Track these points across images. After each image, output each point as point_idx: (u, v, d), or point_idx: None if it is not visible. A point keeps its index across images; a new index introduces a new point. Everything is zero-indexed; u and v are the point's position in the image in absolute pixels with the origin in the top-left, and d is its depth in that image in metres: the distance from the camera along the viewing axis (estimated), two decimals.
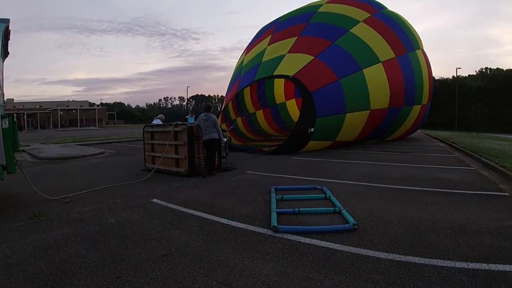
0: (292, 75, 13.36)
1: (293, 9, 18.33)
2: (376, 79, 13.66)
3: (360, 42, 13.90)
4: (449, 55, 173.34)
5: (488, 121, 53.76)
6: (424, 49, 17.38)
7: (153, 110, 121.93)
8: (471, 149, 13.17)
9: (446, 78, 70.30)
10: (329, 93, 12.88)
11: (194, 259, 3.54)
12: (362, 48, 13.80)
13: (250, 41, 19.49)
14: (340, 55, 13.55)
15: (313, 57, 13.58)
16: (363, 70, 13.48)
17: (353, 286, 2.93)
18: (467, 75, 75.25)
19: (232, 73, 19.43)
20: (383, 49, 14.15)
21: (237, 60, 20.02)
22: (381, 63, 13.88)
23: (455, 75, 59.92)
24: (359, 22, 14.46)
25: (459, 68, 79.41)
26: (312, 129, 12.57)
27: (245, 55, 18.47)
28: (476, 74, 77.17)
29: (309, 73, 13.23)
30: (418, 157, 11.91)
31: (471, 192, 6.39)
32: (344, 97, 13.03)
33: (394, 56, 14.39)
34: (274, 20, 18.54)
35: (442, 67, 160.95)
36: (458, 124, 50.46)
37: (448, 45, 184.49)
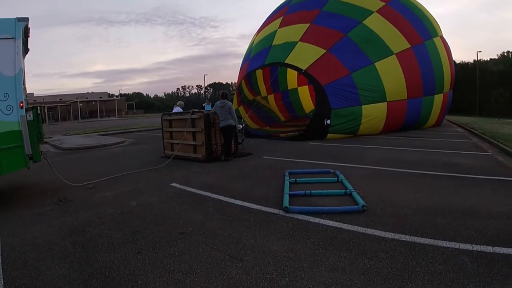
0: (304, 68, 13.52)
1: None
2: (389, 71, 13.55)
3: (373, 35, 13.73)
4: (470, 38, 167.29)
5: (510, 106, 52.00)
6: (444, 33, 16.98)
7: (171, 99, 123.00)
8: (489, 134, 12.95)
9: (467, 62, 67.89)
10: (341, 86, 13.01)
11: (209, 236, 3.79)
12: (374, 42, 13.66)
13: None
14: (351, 50, 13.50)
15: (325, 51, 13.59)
16: (375, 63, 13.44)
17: (357, 262, 3.09)
18: (488, 59, 72.52)
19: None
20: (396, 41, 13.92)
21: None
22: (394, 55, 13.70)
23: (476, 59, 57.97)
24: (373, 12, 14.19)
25: (480, 51, 76.12)
26: (329, 121, 12.76)
27: (256, 36, 18.46)
28: (498, 58, 74.38)
29: (321, 67, 13.35)
30: (435, 142, 11.82)
31: (484, 177, 6.35)
32: (357, 89, 13.11)
33: (409, 46, 14.11)
34: (287, 1, 18.38)
35: (462, 50, 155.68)
36: (479, 110, 49.05)
37: (469, 28, 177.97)
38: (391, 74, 13.59)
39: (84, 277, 2.98)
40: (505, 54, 73.38)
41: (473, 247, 3.32)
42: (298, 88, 21.40)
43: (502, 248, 3.28)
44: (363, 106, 13.14)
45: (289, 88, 21.11)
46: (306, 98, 21.55)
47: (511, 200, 4.84)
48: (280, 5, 18.75)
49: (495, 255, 3.16)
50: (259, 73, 17.27)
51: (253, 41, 18.32)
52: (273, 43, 15.57)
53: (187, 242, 3.64)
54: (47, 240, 3.89)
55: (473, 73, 53.29)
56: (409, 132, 14.69)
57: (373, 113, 13.47)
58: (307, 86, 20.46)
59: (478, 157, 8.76)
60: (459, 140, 12.54)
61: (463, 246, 3.35)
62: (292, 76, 20.22)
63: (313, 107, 19.32)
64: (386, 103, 13.61)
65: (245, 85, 17.20)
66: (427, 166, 7.40)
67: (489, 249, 3.27)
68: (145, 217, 4.51)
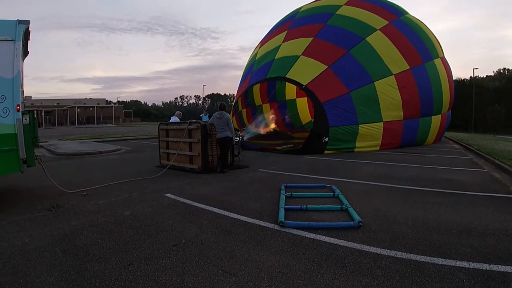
0: (304, 84, 13.62)
1: (311, 1, 18.34)
2: (387, 91, 13.65)
3: (374, 54, 13.84)
4: (467, 55, 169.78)
5: (505, 123, 52.45)
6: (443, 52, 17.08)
7: (169, 108, 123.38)
8: (485, 151, 13.02)
9: (463, 79, 68.80)
10: (339, 104, 13.14)
11: (203, 249, 3.72)
12: (375, 60, 13.77)
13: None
14: (352, 67, 13.62)
15: (326, 67, 13.70)
16: (375, 82, 13.54)
17: (352, 279, 3.04)
18: (484, 76, 73.56)
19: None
20: (396, 61, 14.02)
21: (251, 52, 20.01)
22: (393, 75, 13.80)
23: (472, 76, 58.60)
24: (376, 30, 14.30)
25: (476, 68, 77.08)
26: (327, 139, 12.82)
27: (259, 48, 18.51)
28: (494, 75, 75.33)
29: (321, 84, 13.47)
30: (431, 158, 11.84)
31: (480, 193, 6.37)
32: (355, 108, 13.22)
33: (409, 67, 14.19)
34: (292, 14, 18.42)
35: (458, 67, 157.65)
36: (475, 126, 49.41)
37: (466, 45, 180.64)
38: (389, 94, 13.70)
39: (73, 287, 2.91)
40: (501, 71, 74.41)
41: (469, 264, 3.30)
42: (297, 99, 21.42)
43: (498, 265, 3.27)
44: (359, 125, 13.24)
45: (287, 98, 21.11)
46: (304, 109, 21.55)
47: (507, 217, 4.85)
48: (285, 17, 18.87)
49: (491, 272, 3.14)
50: (256, 88, 17.30)
51: (256, 53, 18.38)
52: (275, 57, 15.68)
53: (180, 255, 3.58)
54: (38, 246, 3.82)
55: (469, 90, 53.78)
56: (406, 148, 14.70)
57: (369, 133, 13.55)
58: (305, 98, 20.52)
59: (474, 174, 8.77)
60: (455, 157, 12.57)
61: (459, 263, 3.32)
62: (291, 88, 20.26)
63: (310, 119, 19.34)
64: (382, 123, 13.71)
65: (240, 103, 17.25)
66: (423, 182, 7.39)
67: (486, 266, 3.25)
68: (138, 227, 4.44)
